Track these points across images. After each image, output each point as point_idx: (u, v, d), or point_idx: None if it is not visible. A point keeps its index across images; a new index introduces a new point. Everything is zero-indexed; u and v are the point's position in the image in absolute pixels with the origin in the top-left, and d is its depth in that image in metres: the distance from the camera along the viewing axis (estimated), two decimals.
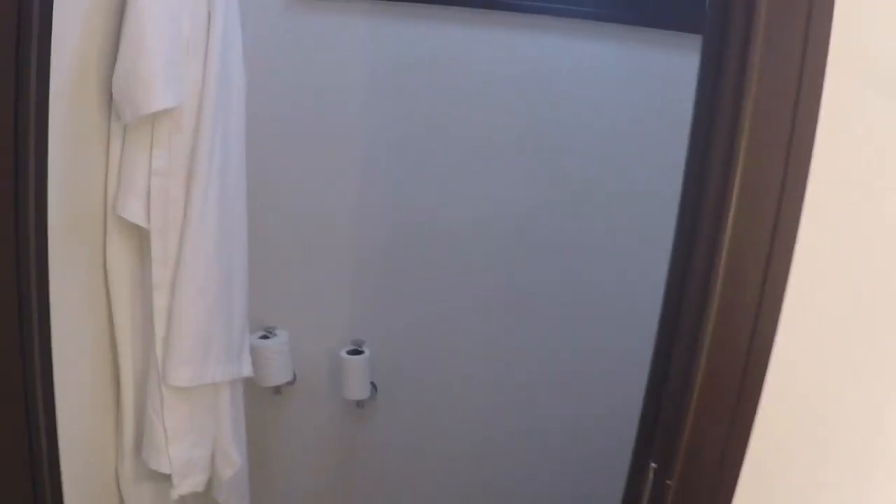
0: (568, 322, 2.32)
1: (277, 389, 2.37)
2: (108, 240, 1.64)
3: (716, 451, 1.10)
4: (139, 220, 1.61)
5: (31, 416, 1.32)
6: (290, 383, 2.37)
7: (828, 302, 1.00)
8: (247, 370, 1.87)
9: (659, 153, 2.16)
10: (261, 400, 2.36)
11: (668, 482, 1.12)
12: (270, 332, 2.30)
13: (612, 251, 2.26)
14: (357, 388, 2.33)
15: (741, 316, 1.02)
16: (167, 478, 1.75)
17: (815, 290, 1.00)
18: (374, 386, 2.37)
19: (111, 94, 1.54)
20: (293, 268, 2.32)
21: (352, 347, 2.33)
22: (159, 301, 1.67)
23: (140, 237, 1.68)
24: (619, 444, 2.25)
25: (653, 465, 1.15)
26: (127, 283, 1.68)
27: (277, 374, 2.30)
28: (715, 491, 1.10)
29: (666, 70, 2.10)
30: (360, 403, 2.38)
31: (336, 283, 2.34)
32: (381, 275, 2.34)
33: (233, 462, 1.86)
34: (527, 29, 2.15)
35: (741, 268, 1.00)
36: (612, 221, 2.24)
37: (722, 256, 1.00)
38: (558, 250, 2.27)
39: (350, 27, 2.17)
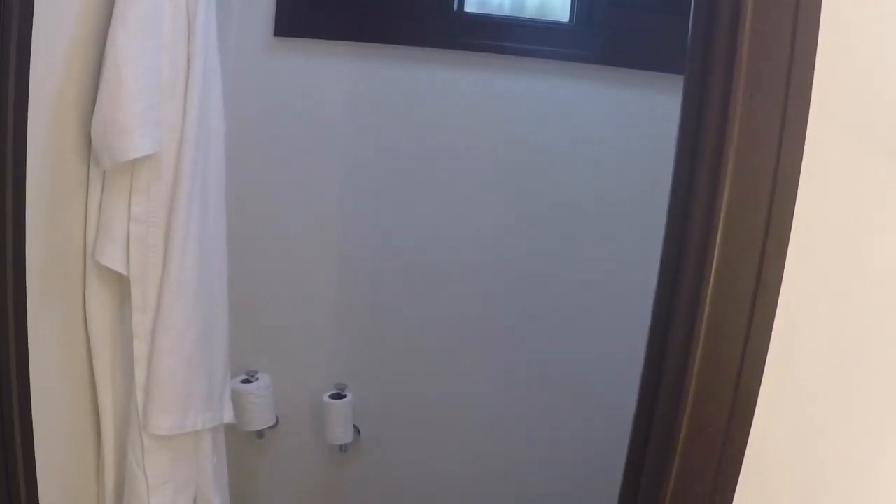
0: (558, 360, 2.31)
1: (260, 433, 2.34)
2: (88, 286, 1.62)
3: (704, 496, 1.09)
4: (118, 266, 1.59)
5: (9, 465, 1.30)
6: (273, 427, 2.34)
7: (812, 352, 1.00)
8: (228, 416, 1.84)
9: (641, 189, 2.18)
10: (243, 444, 2.33)
11: None
12: (252, 377, 2.28)
13: (596, 281, 2.26)
14: (340, 433, 2.31)
15: (725, 368, 1.02)
16: None
17: (799, 340, 1.00)
18: (356, 429, 2.35)
19: (89, 139, 1.53)
20: (275, 311, 2.31)
21: (334, 391, 2.31)
22: (139, 349, 1.64)
23: (119, 284, 1.66)
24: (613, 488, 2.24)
25: None
26: (107, 331, 1.66)
27: (260, 419, 2.28)
28: None
29: (648, 109, 2.12)
30: (343, 447, 2.36)
31: (318, 325, 2.33)
32: (363, 317, 2.33)
33: None
34: (507, 70, 2.16)
35: (725, 321, 1.00)
36: (596, 252, 2.24)
37: (706, 306, 1.00)
38: (545, 285, 2.27)
39: (331, 68, 2.18)
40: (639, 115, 2.17)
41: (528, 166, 2.22)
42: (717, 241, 0.98)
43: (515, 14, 2.27)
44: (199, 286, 1.67)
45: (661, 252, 1.17)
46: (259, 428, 2.29)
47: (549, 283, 2.26)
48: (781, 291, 0.98)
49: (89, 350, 1.66)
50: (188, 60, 1.60)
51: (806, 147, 0.94)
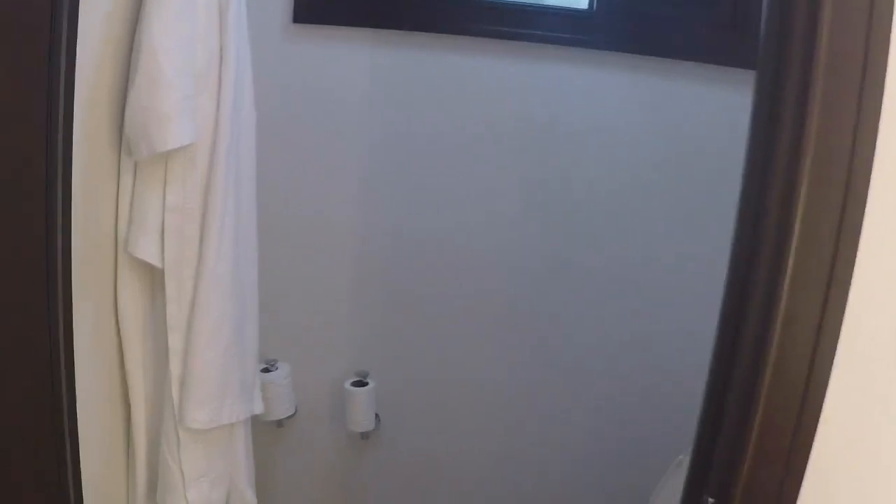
0: (583, 346, 2.32)
1: (280, 423, 2.33)
2: (119, 278, 1.60)
3: (774, 483, 1.10)
4: (153, 258, 1.57)
5: (59, 465, 1.28)
6: (292, 416, 2.33)
7: (881, 346, 1.01)
8: (258, 407, 1.84)
9: (659, 175, 2.18)
10: (263, 434, 2.30)
11: None
12: (272, 366, 2.26)
13: (618, 269, 2.27)
14: (362, 420, 2.30)
15: (797, 362, 1.03)
16: None
17: (868, 336, 1.01)
18: (377, 417, 2.34)
19: (121, 129, 1.51)
20: (293, 298, 2.29)
21: (356, 378, 2.30)
22: (175, 342, 1.62)
23: (151, 276, 1.63)
24: (630, 470, 2.26)
25: (710, 500, 1.15)
26: (138, 323, 1.63)
27: (280, 408, 2.27)
28: None
29: (667, 96, 2.13)
30: (364, 435, 2.35)
31: (337, 313, 2.32)
32: (382, 304, 2.32)
33: (248, 502, 1.82)
34: (526, 57, 2.15)
35: (797, 315, 1.01)
36: (617, 239, 2.25)
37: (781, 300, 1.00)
38: (566, 271, 2.27)
39: (350, 54, 2.16)
40: (657, 103, 2.17)
41: (547, 153, 2.22)
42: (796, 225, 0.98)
43: (535, 1, 2.26)
44: (233, 277, 1.66)
45: (732, 240, 1.16)
46: (280, 417, 2.28)
47: (571, 270, 2.26)
48: (852, 282, 0.99)
49: (120, 343, 1.64)
50: (220, 50, 1.58)
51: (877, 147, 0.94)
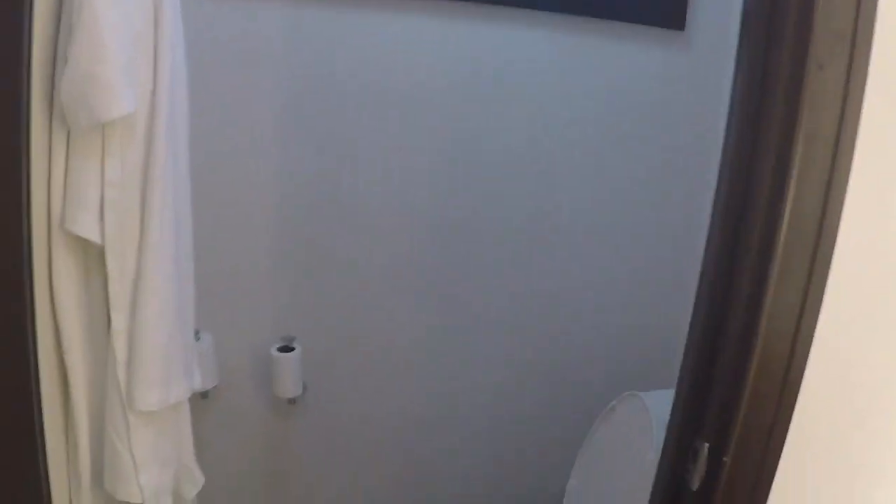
0: (503, 302, 2.34)
1: (205, 394, 2.25)
2: (55, 259, 1.49)
3: (765, 427, 1.15)
4: (93, 235, 1.47)
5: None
6: (217, 386, 2.26)
7: (868, 290, 1.07)
8: (198, 382, 1.78)
9: (584, 131, 2.22)
10: None
11: (725, 459, 1.16)
12: (195, 336, 2.17)
13: (545, 224, 2.31)
14: (289, 386, 2.25)
15: (789, 309, 1.07)
16: None
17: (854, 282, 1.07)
18: (304, 383, 2.30)
19: (51, 98, 1.39)
20: (213, 264, 2.17)
21: (281, 344, 2.24)
22: (119, 322, 1.53)
23: (85, 255, 1.53)
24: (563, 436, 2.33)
25: (706, 444, 1.19)
26: (76, 304, 1.53)
27: (205, 379, 2.18)
28: (762, 464, 1.16)
29: (601, 56, 2.19)
30: (291, 400, 2.30)
31: (258, 277, 2.24)
32: (305, 267, 2.26)
33: (197, 480, 1.77)
34: (451, 12, 2.12)
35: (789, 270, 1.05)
36: (547, 195, 2.28)
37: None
38: (491, 229, 2.28)
39: (263, 9, 2.06)
40: (577, 60, 2.20)
41: (467, 111, 2.20)
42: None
43: None
44: (176, 251, 1.58)
45: (712, 213, 1.19)
46: (205, 388, 2.20)
47: (496, 227, 2.28)
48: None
49: (57, 326, 1.53)
50: (154, 10, 1.47)
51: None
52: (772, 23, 1.05)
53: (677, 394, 1.29)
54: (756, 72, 1.08)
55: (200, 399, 2.26)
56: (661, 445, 1.33)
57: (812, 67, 0.98)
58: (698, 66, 2.20)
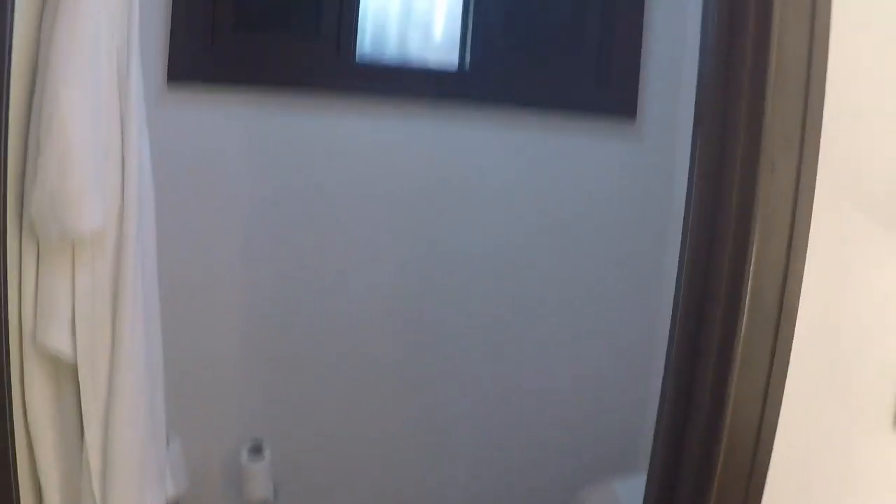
0: (465, 399, 2.36)
1: (175, 501, 2.20)
2: (27, 372, 1.48)
3: None
4: (65, 347, 1.46)
5: None
6: (187, 492, 2.21)
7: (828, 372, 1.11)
8: (171, 487, 1.75)
9: (536, 224, 2.28)
10: None
11: None
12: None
13: (499, 320, 2.35)
14: (260, 490, 2.22)
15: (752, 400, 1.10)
16: None
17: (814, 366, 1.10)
18: (274, 486, 2.27)
19: (20, 209, 1.40)
20: (180, 368, 2.17)
21: (251, 445, 2.22)
22: (92, 436, 1.52)
23: (57, 366, 1.52)
24: None
25: None
26: (50, 417, 1.51)
27: (175, 485, 2.14)
28: None
29: (542, 147, 2.28)
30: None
31: (226, 380, 2.24)
32: (272, 368, 2.26)
33: None
34: (401, 114, 2.21)
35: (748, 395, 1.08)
36: (504, 294, 2.33)
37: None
38: (448, 323, 2.32)
39: (227, 115, 2.12)
40: (531, 153, 2.29)
41: (427, 210, 2.27)
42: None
43: (409, 60, 2.32)
44: (147, 360, 1.58)
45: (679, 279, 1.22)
46: (176, 493, 2.16)
47: (465, 323, 2.32)
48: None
49: (30, 443, 1.51)
50: (121, 119, 1.50)
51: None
52: (725, 125, 1.09)
53: (647, 490, 1.30)
54: (710, 182, 1.12)
55: None
56: None
57: (765, 168, 1.03)
58: (651, 153, 2.29)
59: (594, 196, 2.29)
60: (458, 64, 2.30)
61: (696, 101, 1.17)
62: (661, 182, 2.22)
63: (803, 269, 1.04)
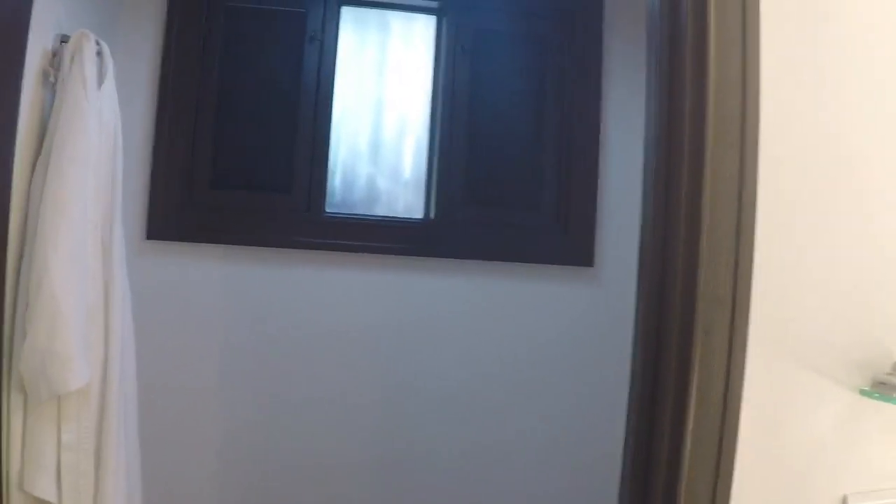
0: None
1: None
2: None
3: None
4: (50, 496, 1.55)
5: None
6: None
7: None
8: None
9: (493, 368, 2.43)
10: None
11: None
12: None
13: (446, 455, 2.45)
14: None
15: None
16: None
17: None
18: None
19: (8, 365, 1.50)
20: None
21: None
22: None
23: None
24: None
25: None
26: None
27: None
28: None
29: (501, 295, 2.44)
30: None
31: None
32: None
33: None
34: (368, 266, 2.37)
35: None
36: (472, 431, 2.45)
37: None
38: (434, 468, 2.42)
39: (202, 269, 2.27)
40: (495, 299, 2.44)
41: (394, 351, 2.40)
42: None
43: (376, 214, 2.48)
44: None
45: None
46: None
47: (434, 461, 2.43)
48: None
49: None
50: (105, 284, 1.63)
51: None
52: (663, 295, 1.20)
53: None
54: (650, 347, 1.23)
55: None
56: None
57: (699, 333, 1.13)
58: (607, 297, 2.44)
59: (556, 338, 2.43)
60: (424, 214, 2.47)
61: (638, 265, 1.28)
62: (618, 323, 2.33)
63: (738, 427, 1.13)
